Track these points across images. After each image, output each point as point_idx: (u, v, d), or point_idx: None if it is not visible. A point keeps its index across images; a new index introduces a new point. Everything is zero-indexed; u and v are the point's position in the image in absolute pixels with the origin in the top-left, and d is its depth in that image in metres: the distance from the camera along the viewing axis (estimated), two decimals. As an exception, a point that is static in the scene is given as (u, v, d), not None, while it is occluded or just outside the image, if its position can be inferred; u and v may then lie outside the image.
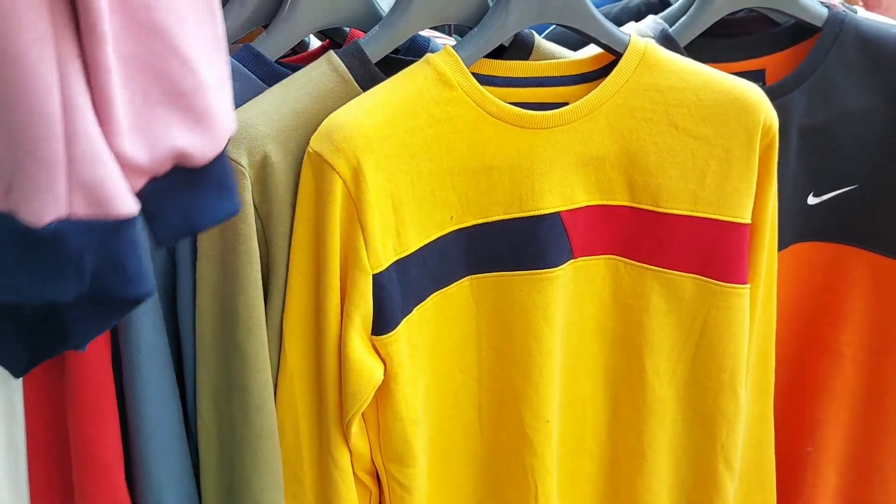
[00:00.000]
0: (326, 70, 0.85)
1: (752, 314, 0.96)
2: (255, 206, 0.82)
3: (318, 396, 0.89)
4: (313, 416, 0.90)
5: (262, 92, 0.85)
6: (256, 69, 0.87)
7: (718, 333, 0.94)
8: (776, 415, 1.09)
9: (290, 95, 0.83)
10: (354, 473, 0.92)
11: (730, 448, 0.98)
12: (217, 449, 0.89)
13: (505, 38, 0.88)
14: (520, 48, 0.93)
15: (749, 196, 0.91)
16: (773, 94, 0.97)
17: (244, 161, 0.79)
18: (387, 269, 0.84)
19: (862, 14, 1.04)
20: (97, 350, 0.82)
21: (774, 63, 1.02)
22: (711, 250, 0.92)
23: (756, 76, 1.02)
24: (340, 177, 0.80)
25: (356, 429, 0.88)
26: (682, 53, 0.98)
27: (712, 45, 1.02)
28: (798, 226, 1.04)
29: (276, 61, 0.90)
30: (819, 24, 0.99)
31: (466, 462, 0.99)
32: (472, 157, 0.86)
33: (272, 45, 0.88)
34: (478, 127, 0.85)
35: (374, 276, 0.83)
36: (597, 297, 0.95)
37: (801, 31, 1.01)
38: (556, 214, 0.89)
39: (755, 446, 1.06)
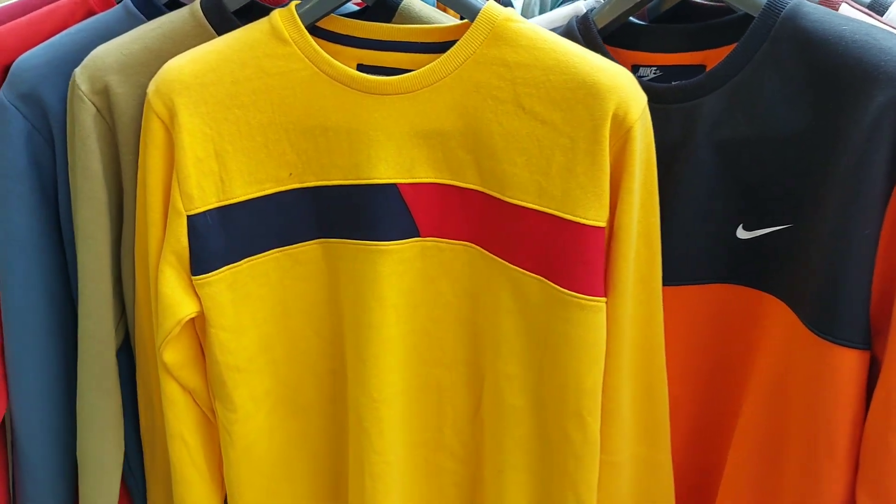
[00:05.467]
0: (186, 14, 0.94)
1: (615, 337, 0.88)
2: (112, 131, 0.94)
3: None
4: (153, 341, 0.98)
5: (143, 31, 0.96)
6: (146, 10, 0.98)
7: (561, 347, 0.88)
8: (683, 474, 0.99)
9: (148, 34, 0.93)
10: (200, 408, 0.99)
11: (580, 482, 0.91)
12: (77, 350, 1.02)
13: (347, -1, 0.90)
14: (382, 8, 0.94)
15: (597, 196, 0.83)
16: (680, 97, 0.88)
17: (85, 88, 0.91)
18: (203, 213, 0.90)
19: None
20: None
21: (715, 59, 0.90)
22: (556, 251, 0.86)
23: (695, 71, 0.92)
24: (159, 117, 0.88)
25: (176, 361, 0.95)
26: (592, 35, 0.92)
27: (654, 31, 0.94)
28: (722, 261, 0.93)
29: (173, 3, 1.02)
30: (754, 13, 0.86)
31: (321, 426, 1.02)
32: (308, 116, 0.89)
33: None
34: (312, 85, 0.88)
35: (188, 217, 0.90)
36: (456, 284, 0.94)
37: (746, 24, 0.87)
38: (394, 186, 0.90)
39: (648, 496, 0.97)
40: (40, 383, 1.03)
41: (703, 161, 0.89)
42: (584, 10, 0.96)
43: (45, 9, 1.02)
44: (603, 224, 0.85)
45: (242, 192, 0.92)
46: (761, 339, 0.92)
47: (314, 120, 0.90)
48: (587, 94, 0.82)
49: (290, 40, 0.89)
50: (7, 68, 0.98)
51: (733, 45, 0.89)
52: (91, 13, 1.02)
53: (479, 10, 0.86)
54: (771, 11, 0.85)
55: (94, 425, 1.00)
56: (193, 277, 0.92)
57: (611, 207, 0.85)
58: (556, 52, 0.84)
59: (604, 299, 0.86)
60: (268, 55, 0.89)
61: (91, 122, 0.93)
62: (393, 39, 0.92)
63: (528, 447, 0.94)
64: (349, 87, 0.88)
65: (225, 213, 0.92)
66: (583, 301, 0.86)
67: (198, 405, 1.00)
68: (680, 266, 0.92)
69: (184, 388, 0.97)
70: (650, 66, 0.94)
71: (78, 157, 0.94)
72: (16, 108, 0.95)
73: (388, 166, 0.89)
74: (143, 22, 0.97)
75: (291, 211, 0.93)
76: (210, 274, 0.92)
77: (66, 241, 1.01)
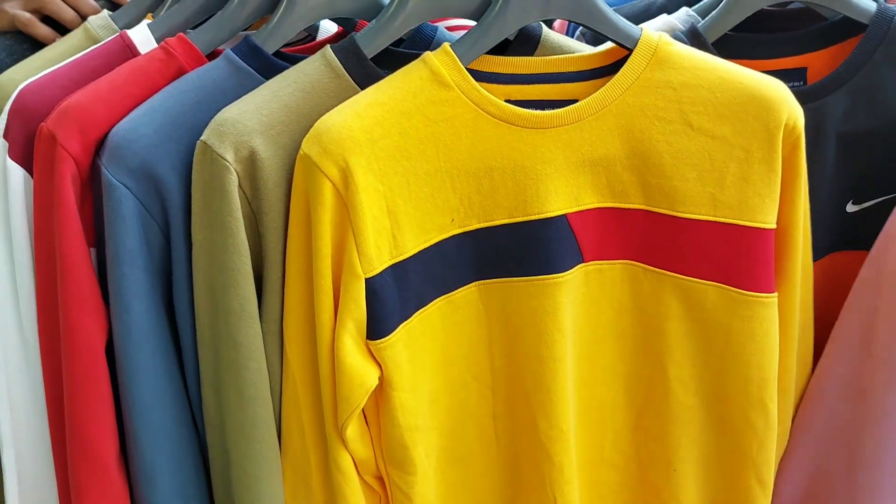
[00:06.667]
0: (321, 65, 0.89)
1: (789, 324, 0.96)
2: (248, 200, 0.88)
3: (320, 399, 0.93)
4: (316, 418, 0.94)
5: (258, 85, 0.89)
6: (255, 62, 0.91)
7: (744, 344, 0.94)
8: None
9: (283, 90, 0.87)
10: (361, 478, 0.96)
11: (761, 464, 0.98)
12: (219, 438, 0.94)
13: (506, 34, 0.89)
14: (525, 42, 0.94)
15: (773, 200, 0.90)
16: (809, 97, 0.96)
17: (230, 156, 0.84)
18: (381, 273, 0.87)
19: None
20: (89, 335, 0.90)
21: (817, 61, 1.00)
22: (733, 257, 0.91)
23: (796, 75, 1.01)
24: (329, 180, 0.84)
25: (354, 433, 0.91)
26: (709, 49, 0.98)
27: (750, 40, 1.01)
28: (835, 234, 1.02)
29: (280, 50, 0.96)
30: (865, 20, 0.96)
31: (483, 471, 1.01)
32: (472, 159, 0.88)
33: (271, 37, 0.93)
34: (477, 127, 0.88)
35: (366, 280, 0.86)
36: (615, 302, 0.96)
37: (849, 26, 0.98)
38: (563, 217, 0.91)
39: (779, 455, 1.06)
40: (178, 486, 0.94)
41: (827, 152, 0.99)
42: (679, 25, 1.02)
43: (123, 71, 0.91)
44: (774, 225, 0.92)
45: (413, 245, 0.90)
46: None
47: (478, 162, 0.89)
48: (759, 106, 0.88)
49: (453, 84, 0.87)
50: (99, 142, 0.88)
51: (833, 47, 1.00)
52: (181, 71, 0.92)
53: (638, 36, 0.89)
54: (883, 17, 0.96)
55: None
56: (373, 342, 0.89)
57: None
58: (717, 70, 0.90)
59: (775, 294, 0.93)
60: (432, 102, 0.87)
61: (237, 193, 0.86)
62: (537, 72, 0.92)
63: (702, 442, 1.00)
64: (514, 124, 0.88)
65: (398, 270, 0.89)
66: (763, 299, 0.93)
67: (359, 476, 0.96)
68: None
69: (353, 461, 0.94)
70: (755, 73, 1.01)
71: (225, 234, 0.86)
72: (125, 186, 0.86)
73: (558, 198, 0.91)
74: (256, 76, 0.91)
75: (452, 257, 0.92)
76: (390, 336, 0.89)
77: (181, 329, 0.93)
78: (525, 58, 0.92)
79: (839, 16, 1.00)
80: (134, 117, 0.88)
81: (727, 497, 1.01)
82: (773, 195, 0.90)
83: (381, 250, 0.87)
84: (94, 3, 1.11)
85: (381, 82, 0.88)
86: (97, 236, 0.92)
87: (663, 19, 1.04)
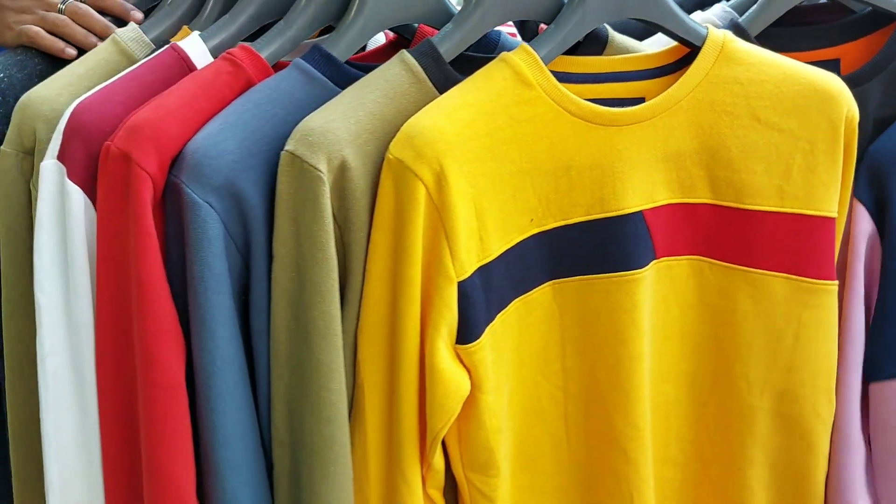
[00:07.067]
0: (401, 71, 0.88)
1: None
2: (334, 212, 0.85)
3: (391, 410, 0.91)
4: (384, 430, 0.92)
5: (333, 95, 0.88)
6: (327, 71, 0.90)
7: (813, 334, 0.97)
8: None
9: (366, 98, 0.86)
10: (425, 491, 0.94)
11: (824, 456, 1.01)
12: (289, 458, 0.91)
13: (583, 35, 0.91)
14: (594, 42, 0.96)
15: (835, 189, 0.94)
16: (851, 84, 0.99)
17: (323, 167, 0.82)
18: (471, 276, 0.86)
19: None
20: (171, 369, 0.85)
21: (850, 52, 1.05)
22: (801, 247, 0.95)
23: (831, 66, 1.05)
24: (423, 183, 0.83)
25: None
26: (753, 44, 1.02)
27: (784, 33, 1.05)
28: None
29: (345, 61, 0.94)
30: (896, 11, 1.03)
31: (553, 471, 1.01)
32: (552, 158, 0.89)
33: (342, 46, 0.92)
34: (557, 126, 0.88)
35: (458, 283, 0.86)
36: (681, 298, 0.98)
37: (878, 18, 1.04)
38: (639, 213, 0.92)
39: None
40: None
41: (865, 138, 1.02)
42: (717, 20, 1.05)
43: (189, 85, 0.87)
44: (836, 213, 0.95)
45: (497, 247, 0.89)
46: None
47: (557, 161, 0.90)
48: (821, 100, 0.92)
49: (535, 83, 0.88)
50: (174, 160, 0.84)
51: (863, 39, 1.05)
52: (250, 84, 0.89)
53: (705, 34, 0.92)
54: (914, 7, 1.01)
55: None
56: (463, 346, 0.88)
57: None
58: (780, 66, 0.93)
59: (836, 281, 0.97)
60: (516, 102, 0.87)
61: (329, 205, 0.84)
62: (606, 71, 0.94)
63: (770, 442, 1.01)
64: (593, 122, 0.90)
65: (485, 273, 0.89)
66: (829, 286, 0.96)
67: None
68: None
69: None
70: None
71: (315, 248, 0.83)
72: (210, 205, 0.83)
73: (635, 195, 0.92)
74: (330, 86, 0.89)
75: (529, 257, 0.92)
76: (480, 339, 0.89)
77: (256, 349, 0.90)
78: (594, 57, 0.94)
79: (866, 9, 1.04)
80: (212, 132, 0.85)
81: (799, 497, 1.03)
82: (835, 184, 0.94)
83: (470, 253, 0.87)
84: (107, 22, 1.06)
85: (464, 83, 0.88)
86: (165, 258, 0.87)
87: (700, 16, 1.06)
